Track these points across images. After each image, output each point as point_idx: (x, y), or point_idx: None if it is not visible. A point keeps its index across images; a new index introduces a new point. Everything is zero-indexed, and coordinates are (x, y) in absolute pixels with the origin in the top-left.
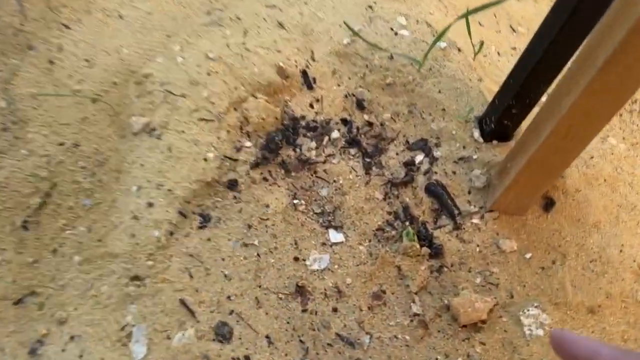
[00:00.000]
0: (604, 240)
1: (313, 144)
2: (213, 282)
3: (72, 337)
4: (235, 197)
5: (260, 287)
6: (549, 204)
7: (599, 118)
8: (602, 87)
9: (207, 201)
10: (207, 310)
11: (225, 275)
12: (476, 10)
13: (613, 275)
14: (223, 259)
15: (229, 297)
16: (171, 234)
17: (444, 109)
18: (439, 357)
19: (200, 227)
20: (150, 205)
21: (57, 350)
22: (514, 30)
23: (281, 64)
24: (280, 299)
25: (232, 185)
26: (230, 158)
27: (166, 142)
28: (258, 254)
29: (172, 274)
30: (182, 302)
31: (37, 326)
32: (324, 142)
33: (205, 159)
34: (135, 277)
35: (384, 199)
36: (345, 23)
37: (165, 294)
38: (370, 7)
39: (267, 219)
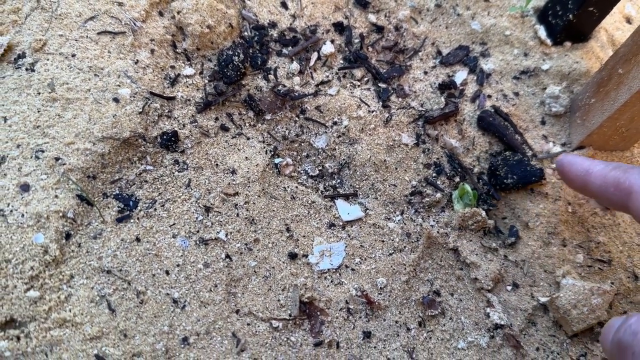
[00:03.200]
0: None
1: (294, 66)
2: (154, 315)
3: None
4: (177, 162)
5: (238, 312)
6: None
7: None
8: None
9: (128, 173)
10: None
11: (175, 300)
12: None
13: None
14: (167, 272)
15: (185, 340)
16: (67, 237)
17: None
18: None
19: (120, 220)
20: (25, 188)
21: None
22: None
23: None
24: (276, 329)
25: (170, 141)
26: (160, 96)
27: (44, 74)
28: (228, 255)
29: (78, 309)
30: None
31: None
32: (312, 63)
33: (117, 100)
34: (10, 323)
35: (417, 145)
36: None
37: (67, 346)
38: None
39: (237, 194)
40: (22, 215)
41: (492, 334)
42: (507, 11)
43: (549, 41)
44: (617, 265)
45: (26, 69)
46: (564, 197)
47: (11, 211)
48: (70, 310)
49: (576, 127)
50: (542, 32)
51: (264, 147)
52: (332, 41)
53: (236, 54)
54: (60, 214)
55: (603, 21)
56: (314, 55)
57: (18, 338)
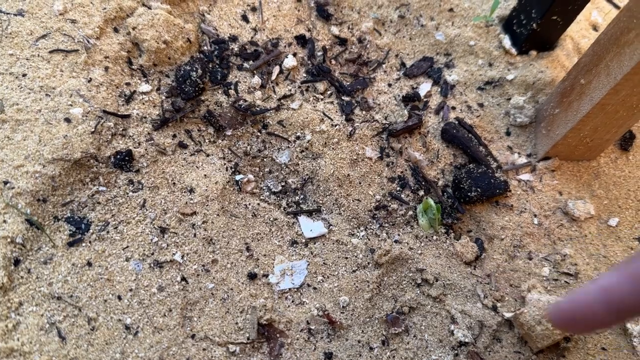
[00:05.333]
0: None
1: (256, 81)
2: (105, 342)
3: None
4: (131, 182)
5: (193, 337)
6: (627, 139)
7: None
8: None
9: (80, 195)
10: None
11: (127, 327)
12: None
13: None
14: (120, 297)
15: None
16: (16, 263)
17: (451, 9)
18: None
19: (72, 243)
20: None
21: None
22: None
23: None
24: (233, 354)
25: (124, 160)
26: (114, 114)
27: None
28: (184, 278)
29: (26, 338)
30: None
31: None
32: (274, 77)
33: (68, 120)
34: None
35: (381, 158)
36: None
37: None
38: None
39: (194, 213)
40: None
41: (456, 351)
42: (471, 21)
43: (514, 50)
44: (584, 277)
45: None
46: (530, 209)
47: None
48: (18, 339)
49: (541, 137)
50: (506, 42)
51: (225, 164)
52: (295, 54)
53: (194, 69)
54: (9, 240)
55: (569, 29)
56: (276, 69)
57: None
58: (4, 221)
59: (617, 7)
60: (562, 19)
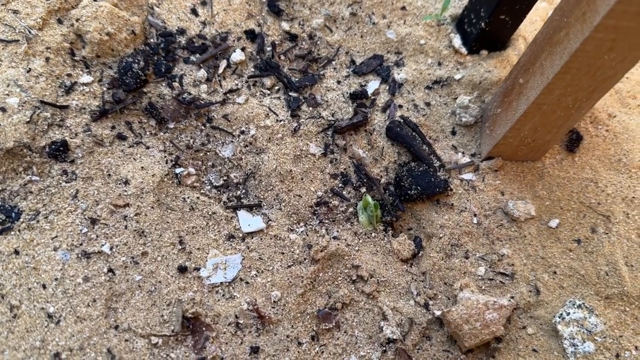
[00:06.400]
0: None
1: (202, 74)
2: (26, 330)
3: None
4: (65, 173)
5: (116, 328)
6: (573, 140)
7: None
8: None
9: (12, 183)
10: None
11: (50, 315)
12: None
13: None
14: (44, 286)
15: (57, 356)
16: None
17: (403, 7)
18: None
19: (0, 232)
20: None
21: None
22: None
23: None
24: (156, 345)
25: (59, 151)
26: (52, 104)
27: None
28: (111, 269)
29: None
30: None
31: None
32: (220, 70)
33: (3, 109)
34: None
35: (324, 155)
36: None
37: None
38: None
39: (127, 205)
40: None
41: (384, 348)
42: (423, 20)
43: (463, 50)
44: (520, 278)
45: None
46: (470, 209)
47: None
48: None
49: (485, 137)
50: (456, 41)
51: (165, 157)
52: (243, 49)
53: (136, 61)
54: None
55: (522, 29)
56: (223, 63)
57: None
58: None
59: None
60: (511, 18)
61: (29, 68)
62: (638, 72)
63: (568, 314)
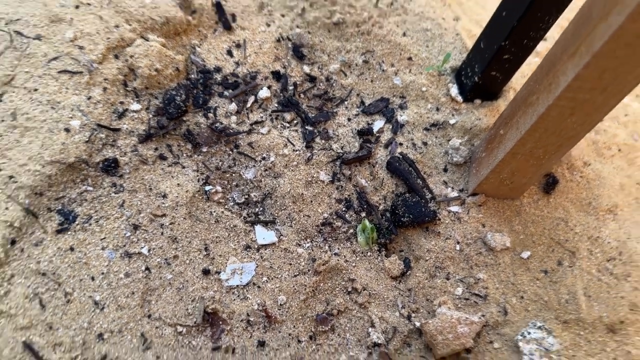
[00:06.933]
0: (623, 230)
1: (233, 107)
2: (76, 313)
3: None
4: (114, 185)
5: (149, 317)
6: (550, 184)
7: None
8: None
9: (71, 192)
10: (67, 357)
11: (96, 302)
12: None
13: (638, 279)
14: (93, 278)
15: (100, 336)
16: (13, 242)
17: (410, 58)
18: None
19: (60, 231)
20: None
21: None
22: None
23: None
24: (180, 333)
25: (110, 167)
26: (107, 127)
27: (9, 105)
28: (148, 268)
29: (13, 303)
30: (28, 347)
31: None
32: (249, 105)
33: (67, 130)
34: None
35: (332, 182)
36: None
37: (2, 333)
38: None
39: (164, 215)
40: None
41: (370, 351)
42: (426, 70)
43: (459, 98)
44: (492, 300)
45: None
46: (454, 237)
47: None
48: (7, 304)
49: (472, 176)
50: (453, 90)
51: (197, 176)
52: (269, 87)
53: (178, 93)
54: (8, 224)
55: (514, 81)
56: (252, 99)
57: None
58: (6, 208)
59: None
60: (501, 74)
61: (89, 96)
62: (615, 126)
63: (529, 333)
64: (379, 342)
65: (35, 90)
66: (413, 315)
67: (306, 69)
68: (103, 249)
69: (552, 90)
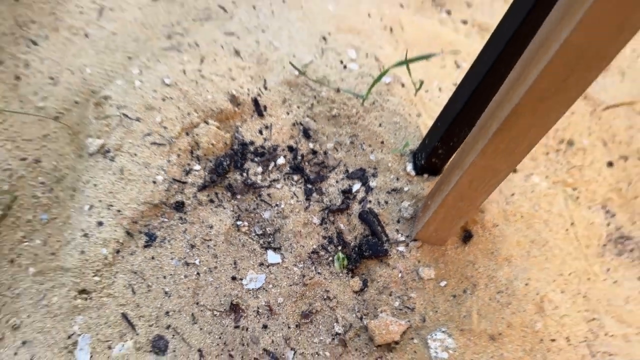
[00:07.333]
0: (512, 273)
1: (259, 169)
2: (154, 298)
3: (24, 343)
4: (181, 218)
5: (197, 304)
6: (467, 237)
7: (495, 175)
8: (494, 150)
9: (154, 221)
10: (146, 324)
11: (166, 292)
12: (412, 60)
13: (516, 307)
14: (164, 277)
15: (167, 313)
16: (117, 252)
17: (382, 142)
18: None
19: (146, 246)
20: (100, 224)
21: (9, 354)
22: (458, 66)
23: (234, 92)
24: (215, 315)
25: (179, 206)
26: (178, 181)
27: (119, 164)
28: (198, 273)
29: (117, 289)
30: (124, 316)
31: None
32: (270, 168)
33: (155, 182)
34: (83, 291)
35: (321, 224)
36: (291, 63)
37: (109, 307)
38: (325, 38)
39: (210, 240)
40: (97, 238)
41: (333, 337)
42: (392, 151)
43: (413, 173)
44: (417, 311)
45: (109, 159)
46: (399, 268)
47: (92, 235)
48: (113, 289)
49: (414, 227)
50: (409, 167)
51: (233, 214)
52: (285, 156)
53: (225, 159)
54: (115, 240)
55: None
56: (272, 164)
57: (86, 299)
58: (115, 230)
59: None
60: (439, 160)
61: (169, 160)
62: (522, 199)
63: (437, 335)
64: (340, 332)
65: (135, 154)
66: (364, 317)
67: (311, 145)
68: (172, 259)
69: (462, 168)
